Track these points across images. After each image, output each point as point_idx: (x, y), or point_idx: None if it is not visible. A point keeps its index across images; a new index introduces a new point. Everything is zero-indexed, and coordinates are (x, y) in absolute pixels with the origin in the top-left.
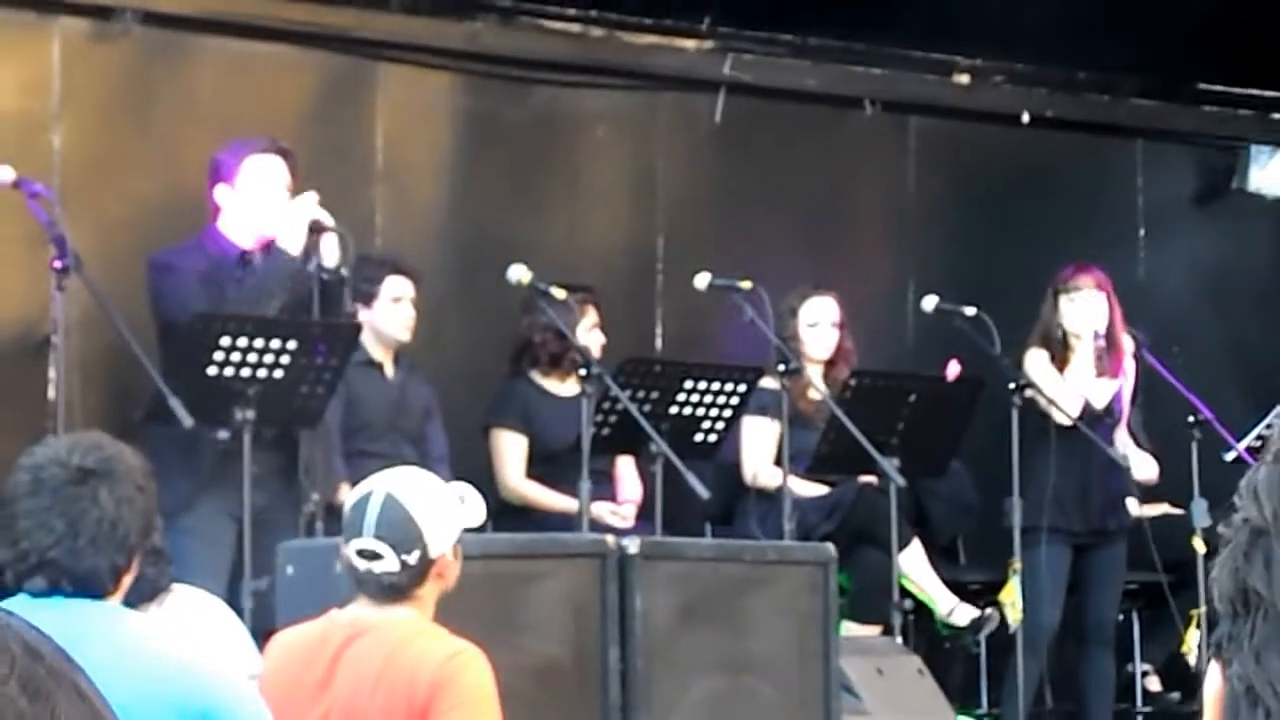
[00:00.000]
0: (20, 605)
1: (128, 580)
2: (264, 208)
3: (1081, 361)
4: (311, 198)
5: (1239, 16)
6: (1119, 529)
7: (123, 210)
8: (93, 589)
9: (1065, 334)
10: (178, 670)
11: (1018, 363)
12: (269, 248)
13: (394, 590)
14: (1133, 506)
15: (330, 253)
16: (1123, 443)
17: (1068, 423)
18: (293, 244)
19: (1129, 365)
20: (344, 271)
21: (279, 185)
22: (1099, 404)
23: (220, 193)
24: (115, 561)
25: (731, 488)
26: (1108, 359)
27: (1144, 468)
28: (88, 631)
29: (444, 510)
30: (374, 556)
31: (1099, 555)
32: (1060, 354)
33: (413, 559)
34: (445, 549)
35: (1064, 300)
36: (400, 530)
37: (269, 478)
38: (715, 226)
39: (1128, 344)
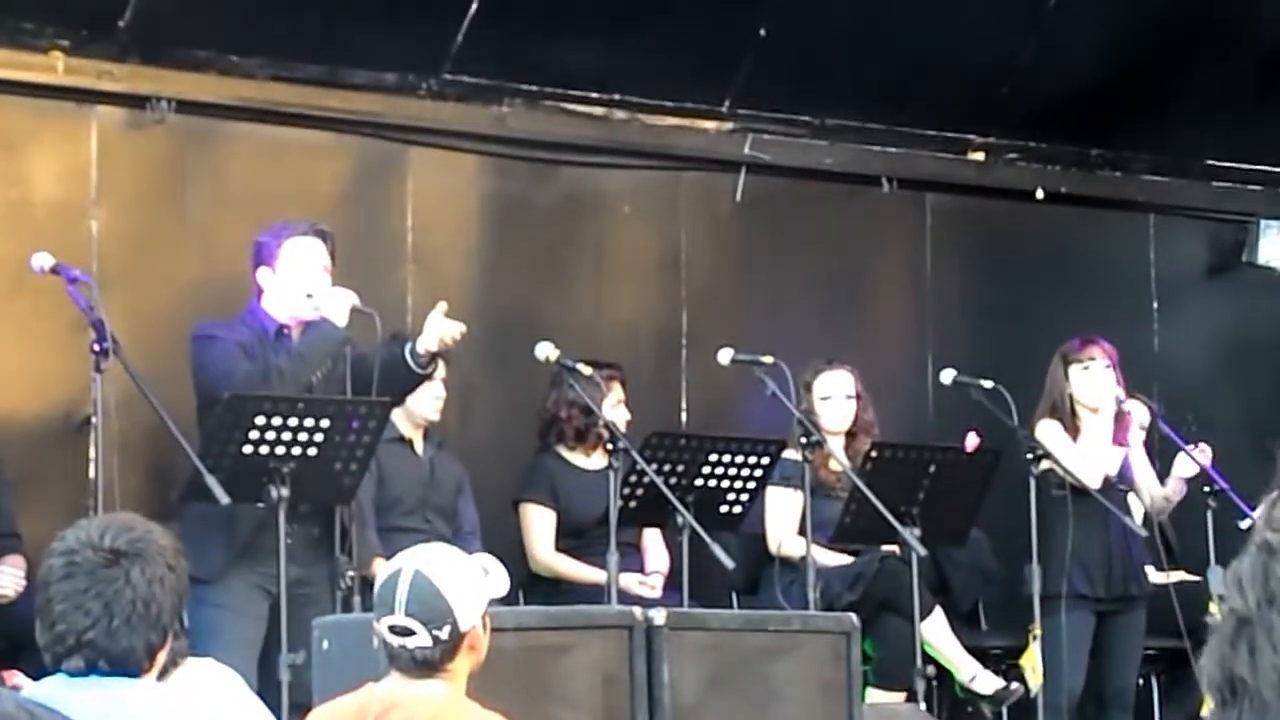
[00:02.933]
0: (58, 684)
1: (162, 657)
2: (303, 289)
3: (1099, 430)
4: (351, 295)
5: (1247, 95)
6: (1140, 595)
7: (160, 294)
8: (129, 668)
9: (1074, 404)
10: None
11: (1030, 436)
12: (310, 325)
13: (427, 665)
14: (1151, 574)
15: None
16: (1149, 497)
17: (1086, 491)
18: (338, 316)
19: (1136, 436)
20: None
21: (318, 267)
22: (1113, 472)
23: (262, 275)
24: (150, 640)
25: (756, 558)
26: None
27: (1198, 457)
28: (125, 710)
29: (471, 584)
30: (406, 633)
31: (1120, 621)
32: (1070, 424)
33: (444, 634)
34: (475, 621)
35: (1076, 370)
36: (430, 606)
37: (304, 551)
38: (738, 302)
39: (1141, 414)
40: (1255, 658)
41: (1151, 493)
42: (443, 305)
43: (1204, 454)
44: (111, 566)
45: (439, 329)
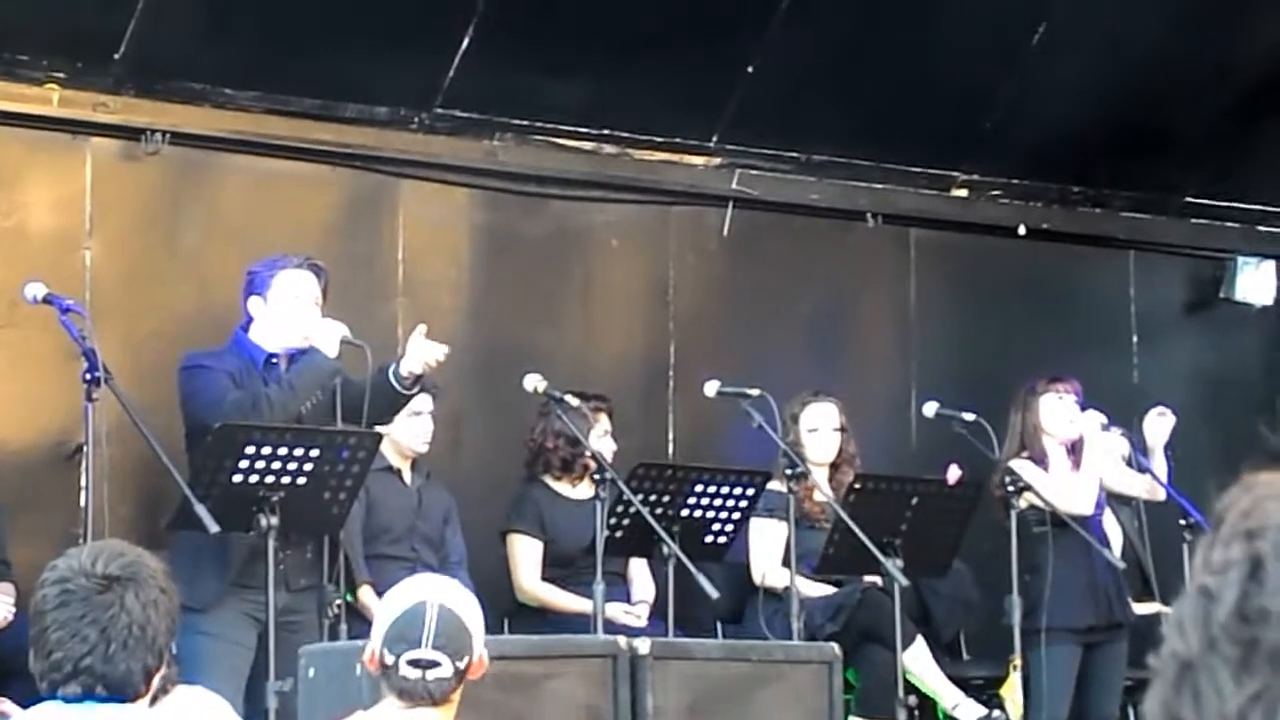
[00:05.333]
0: (52, 711)
1: (157, 681)
2: (293, 320)
3: (1092, 459)
4: (341, 327)
5: (1225, 135)
6: (1126, 623)
7: (152, 323)
8: (126, 692)
9: (1042, 436)
10: None
11: (1010, 470)
12: (300, 355)
13: (442, 696)
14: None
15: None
16: (1142, 488)
17: (1067, 524)
18: (329, 347)
19: (1118, 462)
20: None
21: (309, 299)
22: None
23: (253, 305)
24: (147, 663)
25: (741, 588)
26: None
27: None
28: None
29: (478, 614)
30: (431, 665)
31: (1105, 651)
32: (1041, 458)
33: (463, 664)
34: (483, 650)
35: (1049, 399)
36: (457, 639)
37: (291, 579)
38: (725, 335)
39: (1120, 446)
40: (1199, 702)
41: (1143, 485)
42: (423, 327)
43: (1168, 418)
44: (105, 592)
45: (421, 351)
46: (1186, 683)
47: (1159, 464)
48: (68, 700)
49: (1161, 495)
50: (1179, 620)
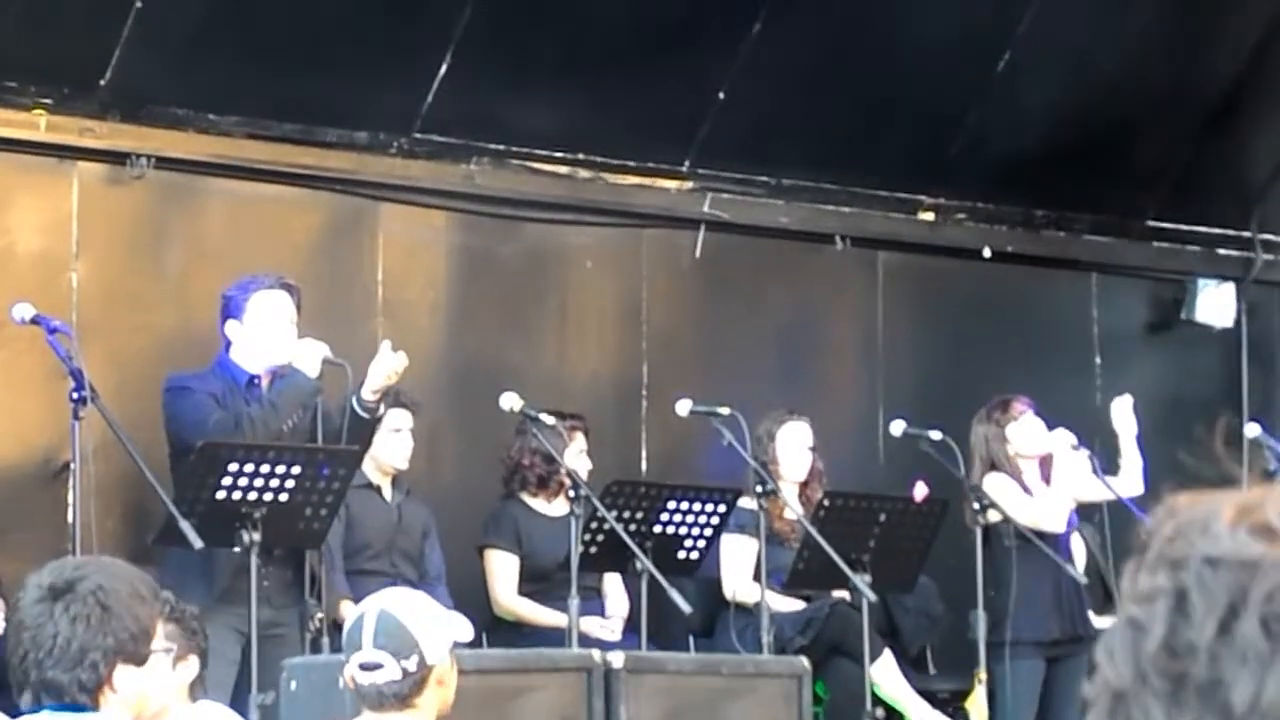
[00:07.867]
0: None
1: (110, 694)
2: (271, 341)
3: (1061, 474)
4: (322, 347)
5: (1185, 159)
6: (1088, 637)
7: (137, 343)
8: (66, 703)
9: (1012, 458)
10: None
11: (978, 488)
12: (282, 375)
13: (397, 698)
14: (1093, 619)
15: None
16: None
17: (1037, 536)
18: (309, 367)
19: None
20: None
21: (285, 319)
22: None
23: (231, 328)
24: (79, 677)
25: (712, 602)
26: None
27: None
28: None
29: (433, 620)
30: (375, 667)
31: (1069, 665)
32: (1016, 478)
33: (411, 665)
34: (442, 656)
35: (1013, 427)
36: (396, 638)
37: (275, 594)
38: (696, 355)
39: (1083, 463)
40: None
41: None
42: (387, 343)
43: (1127, 401)
44: (42, 603)
45: (382, 366)
46: (1120, 713)
47: (1133, 458)
48: (35, 710)
49: (1139, 489)
50: (1110, 650)
